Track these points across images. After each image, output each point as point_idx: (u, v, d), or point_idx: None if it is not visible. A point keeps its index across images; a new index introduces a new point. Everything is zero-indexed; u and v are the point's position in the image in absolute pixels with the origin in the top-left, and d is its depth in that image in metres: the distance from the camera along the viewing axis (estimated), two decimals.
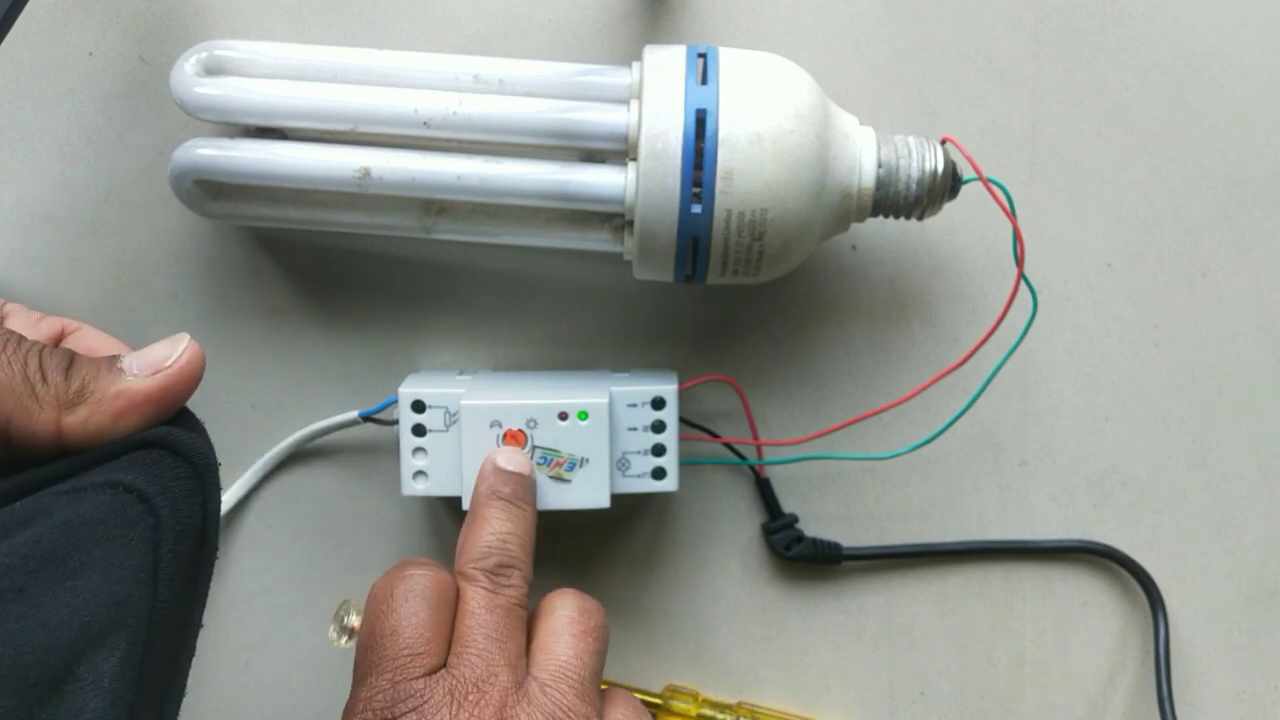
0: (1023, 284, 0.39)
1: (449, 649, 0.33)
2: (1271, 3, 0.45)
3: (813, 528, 0.45)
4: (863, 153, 0.38)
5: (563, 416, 0.38)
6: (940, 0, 0.44)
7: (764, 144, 0.36)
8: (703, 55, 0.38)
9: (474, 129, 0.38)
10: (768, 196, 0.36)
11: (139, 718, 0.27)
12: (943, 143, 0.39)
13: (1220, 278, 0.45)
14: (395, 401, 0.39)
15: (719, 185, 0.36)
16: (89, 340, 0.37)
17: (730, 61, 0.38)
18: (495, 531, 0.35)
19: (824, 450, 0.43)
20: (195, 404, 0.32)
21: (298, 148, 0.38)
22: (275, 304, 0.44)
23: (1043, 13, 0.44)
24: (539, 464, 0.38)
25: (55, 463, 0.29)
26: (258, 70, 0.39)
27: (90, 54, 0.42)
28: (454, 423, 0.39)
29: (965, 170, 0.39)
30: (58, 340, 0.37)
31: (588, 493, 0.38)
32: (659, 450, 0.39)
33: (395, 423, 0.40)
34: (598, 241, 0.40)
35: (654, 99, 0.36)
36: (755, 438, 0.44)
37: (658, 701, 0.43)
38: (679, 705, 0.43)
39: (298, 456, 0.44)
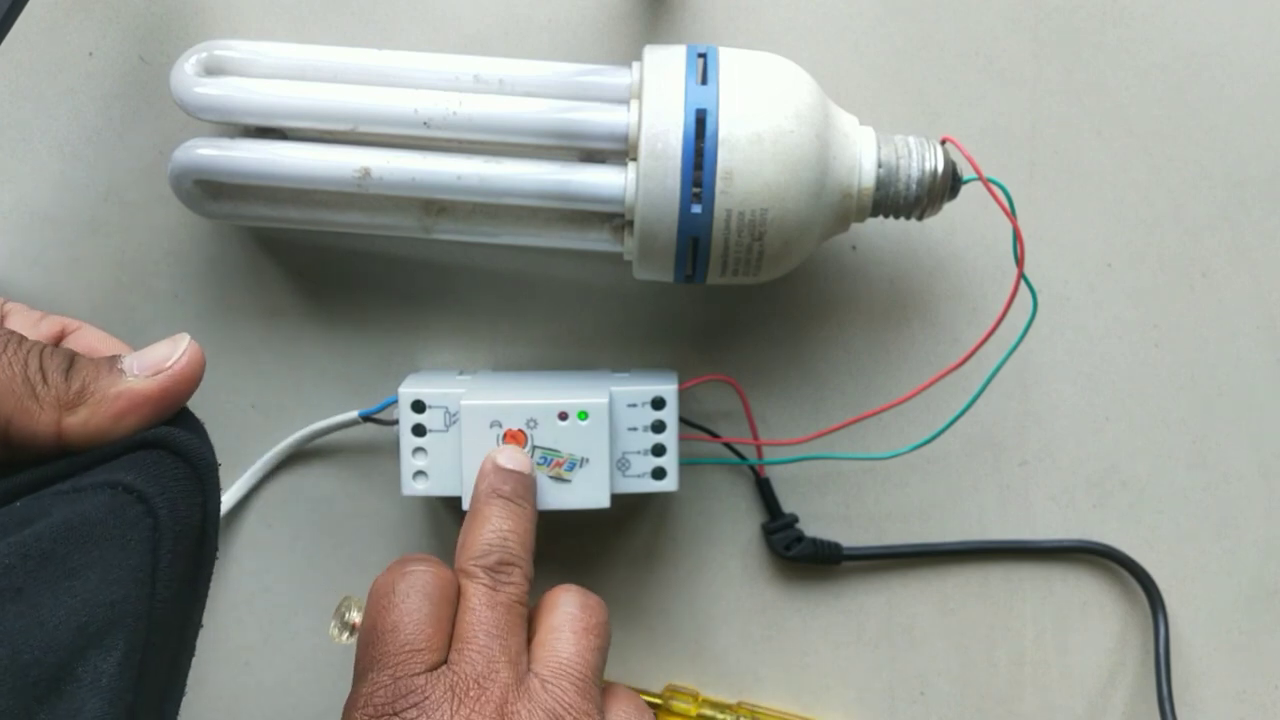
0: (1023, 284, 0.39)
1: (450, 646, 0.33)
2: (1271, 3, 0.45)
3: (813, 528, 0.45)
4: (863, 153, 0.38)
5: (563, 416, 0.38)
6: (940, 0, 0.44)
7: (764, 144, 0.36)
8: (703, 55, 0.38)
9: (474, 129, 0.38)
10: (768, 196, 0.36)
11: (138, 717, 0.27)
12: (943, 143, 0.39)
13: (1220, 278, 0.45)
14: (395, 401, 0.39)
15: (719, 185, 0.36)
16: (89, 340, 0.37)
17: (730, 61, 0.38)
18: (496, 529, 0.35)
19: (824, 450, 0.43)
20: (195, 404, 0.32)
21: (298, 148, 0.38)
22: (275, 304, 0.44)
23: (1043, 13, 0.44)
24: (539, 464, 0.38)
25: (55, 463, 0.29)
26: (258, 70, 0.39)
27: (90, 54, 0.42)
28: (454, 423, 0.39)
29: (965, 170, 0.39)
30: (58, 340, 0.37)
31: (588, 493, 0.38)
32: (659, 450, 0.39)
33: (395, 423, 0.40)
34: (598, 241, 0.40)
35: (654, 99, 0.36)
36: (755, 438, 0.44)
37: (658, 701, 0.43)
38: (679, 705, 0.43)
39: (298, 456, 0.44)
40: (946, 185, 0.39)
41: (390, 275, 0.44)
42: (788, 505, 0.44)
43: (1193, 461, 0.45)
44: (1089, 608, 0.45)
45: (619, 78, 0.39)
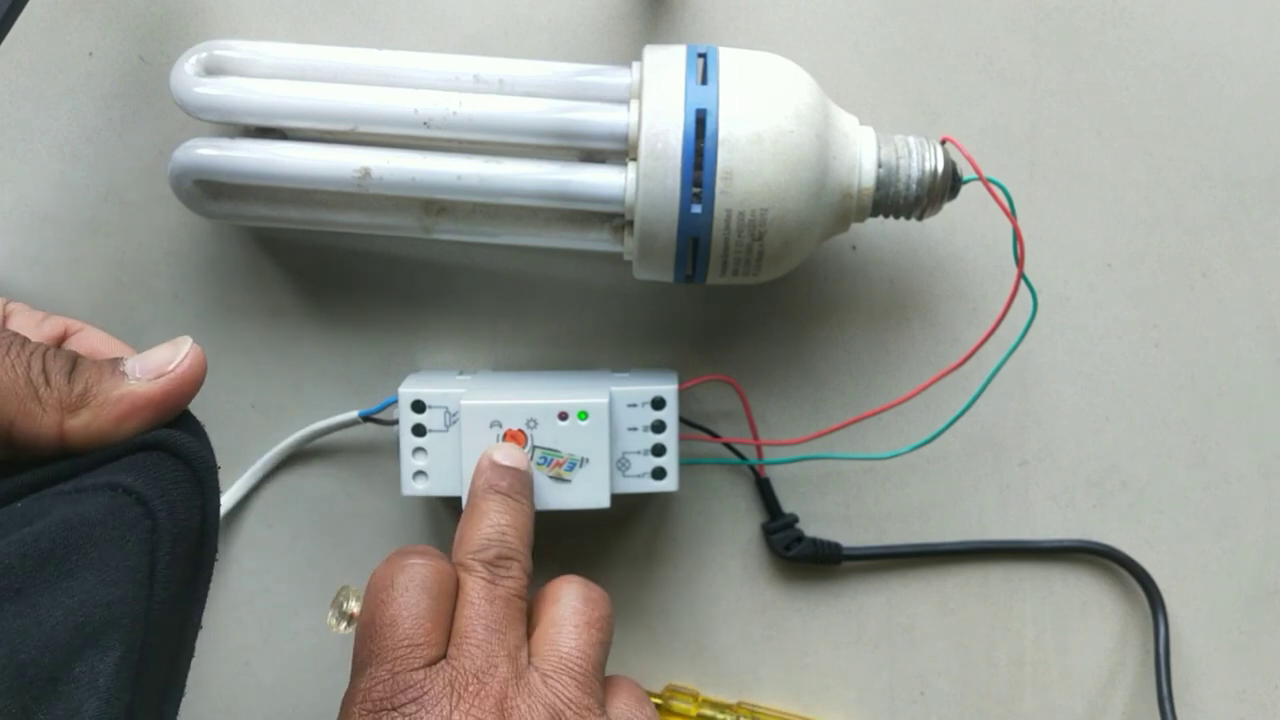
0: (1023, 284, 0.39)
1: (449, 640, 0.33)
2: (1271, 3, 0.45)
3: (813, 528, 0.45)
4: (863, 153, 0.38)
5: (563, 416, 0.38)
6: (940, 0, 0.44)
7: (764, 144, 0.36)
8: (703, 55, 0.38)
9: (474, 129, 0.38)
10: (768, 196, 0.36)
11: (136, 717, 0.27)
12: (943, 143, 0.39)
13: (1220, 278, 0.45)
14: (395, 401, 0.39)
15: (719, 185, 0.36)
16: (92, 341, 0.37)
17: (730, 61, 0.38)
18: (494, 524, 0.35)
19: (824, 450, 0.43)
20: (196, 404, 0.32)
21: (298, 148, 0.38)
22: (275, 304, 0.44)
23: (1043, 13, 0.44)
24: (539, 464, 0.38)
25: (57, 464, 0.29)
26: (258, 70, 0.39)
27: (90, 54, 0.42)
28: (454, 423, 0.39)
29: (965, 170, 0.39)
30: (61, 341, 0.37)
31: (588, 493, 0.38)
32: (659, 450, 0.39)
33: (395, 423, 0.40)
34: (598, 241, 0.40)
35: (654, 99, 0.36)
36: (755, 438, 0.44)
37: (658, 701, 0.43)
38: (679, 705, 0.43)
39: (298, 456, 0.44)
40: (946, 185, 0.39)
41: (390, 275, 0.44)
42: (788, 505, 0.44)
43: (1193, 461, 0.45)
44: (1089, 608, 0.45)
45: (619, 78, 0.39)
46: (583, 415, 0.38)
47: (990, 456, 0.45)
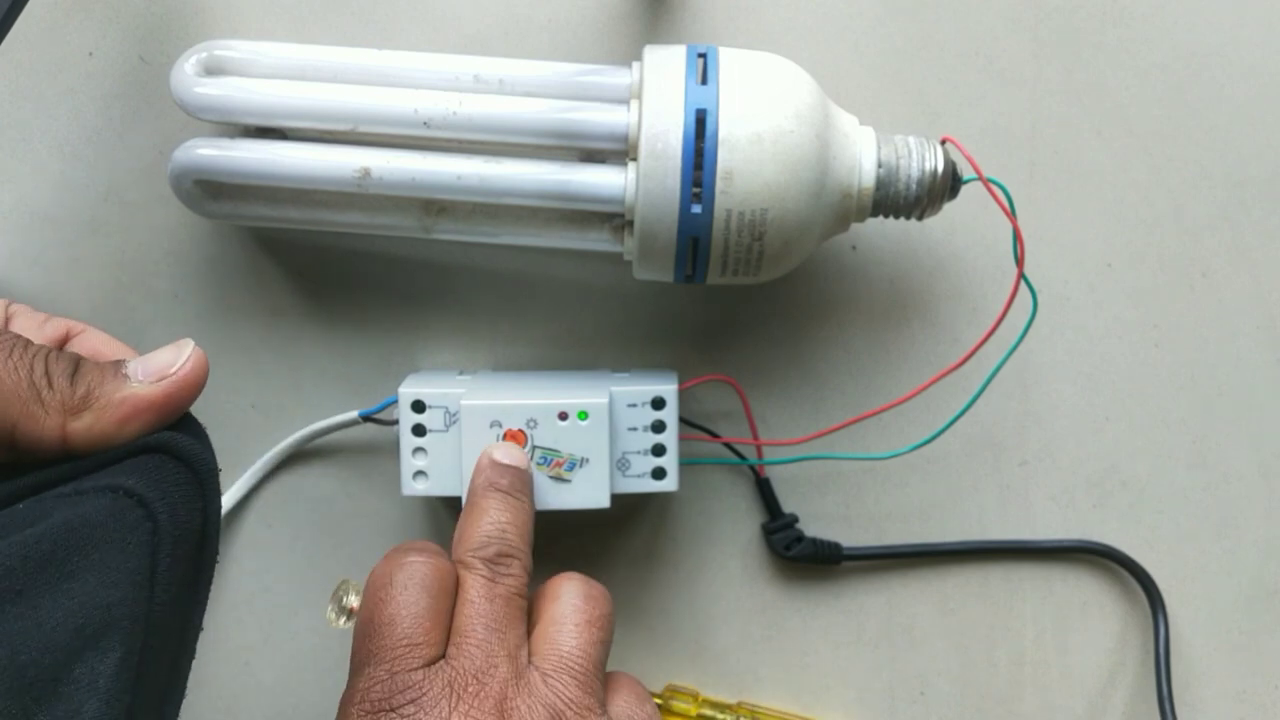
0: (1023, 284, 0.39)
1: (448, 639, 0.33)
2: (1271, 3, 0.45)
3: (813, 528, 0.45)
4: (863, 153, 0.38)
5: (563, 416, 0.38)
6: (940, 0, 0.44)
7: (764, 144, 0.36)
8: (703, 55, 0.38)
9: (474, 129, 0.38)
10: (768, 196, 0.36)
11: (137, 719, 0.27)
12: (943, 143, 0.39)
13: (1220, 278, 0.45)
14: (395, 401, 0.39)
15: (719, 185, 0.36)
16: (94, 343, 0.37)
17: (730, 61, 0.38)
18: (494, 521, 0.35)
19: (824, 450, 0.43)
20: (196, 404, 0.32)
21: (298, 148, 0.38)
22: (275, 304, 0.44)
23: (1043, 13, 0.44)
24: (539, 464, 0.38)
25: (59, 466, 0.29)
26: (258, 70, 0.39)
27: (90, 54, 0.42)
28: (454, 423, 0.39)
29: (965, 170, 0.39)
30: (63, 342, 0.37)
31: (588, 493, 0.38)
32: (659, 450, 0.39)
33: (395, 423, 0.40)
34: (598, 241, 0.40)
35: (654, 99, 0.36)
36: (755, 438, 0.44)
37: (658, 701, 0.43)
38: (679, 705, 0.43)
39: (298, 456, 0.44)
40: (946, 185, 0.39)
41: (390, 275, 0.44)
42: (788, 505, 0.44)
43: (1193, 461, 0.45)
44: (1089, 608, 0.45)
45: (619, 78, 0.39)
46: (583, 415, 0.38)
47: (990, 456, 0.45)
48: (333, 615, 0.36)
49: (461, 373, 0.43)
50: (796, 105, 0.37)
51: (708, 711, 0.43)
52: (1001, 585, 0.45)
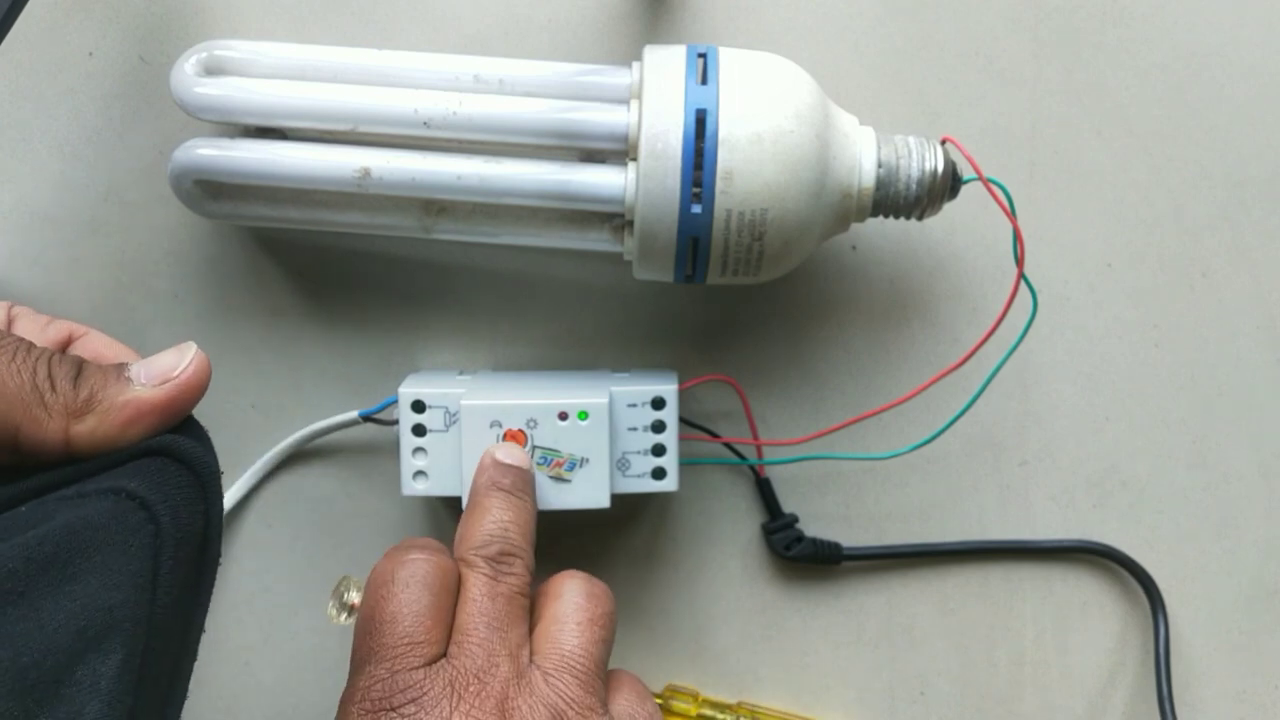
0: (1023, 284, 0.39)
1: (450, 638, 0.33)
2: (1271, 3, 0.45)
3: (813, 528, 0.45)
4: (863, 153, 0.38)
5: (563, 416, 0.38)
6: (940, 0, 0.44)
7: (764, 144, 0.36)
8: (703, 55, 0.38)
9: (474, 129, 0.38)
10: (768, 196, 0.36)
11: None
12: (943, 143, 0.39)
13: (1220, 278, 0.45)
14: (395, 401, 0.39)
15: (719, 185, 0.36)
16: (96, 345, 0.37)
17: (730, 61, 0.38)
18: (496, 520, 0.35)
19: (824, 450, 0.43)
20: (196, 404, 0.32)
21: (298, 148, 0.38)
22: (275, 304, 0.44)
23: (1043, 13, 0.44)
24: (539, 464, 0.38)
25: (61, 469, 0.29)
26: (258, 70, 0.39)
27: (90, 54, 0.42)
28: (454, 423, 0.39)
29: (965, 170, 0.39)
30: (65, 345, 0.37)
31: (588, 493, 0.38)
32: (659, 450, 0.39)
33: (395, 423, 0.40)
34: (598, 241, 0.40)
35: (654, 99, 0.36)
36: (755, 438, 0.44)
37: (658, 701, 0.43)
38: (679, 705, 0.43)
39: (298, 456, 0.44)
40: (946, 185, 0.39)
41: (390, 275, 0.44)
42: (788, 505, 0.44)
43: (1193, 461, 0.45)
44: (1089, 608, 0.45)
45: (619, 78, 0.39)
46: (583, 415, 0.38)
47: (990, 456, 0.45)
48: (333, 612, 0.36)
49: (461, 373, 0.43)
50: (796, 105, 0.37)
51: (708, 711, 0.43)
52: (1001, 585, 0.45)
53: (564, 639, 0.33)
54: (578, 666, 0.32)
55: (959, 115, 0.44)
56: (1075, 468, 0.45)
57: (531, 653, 0.33)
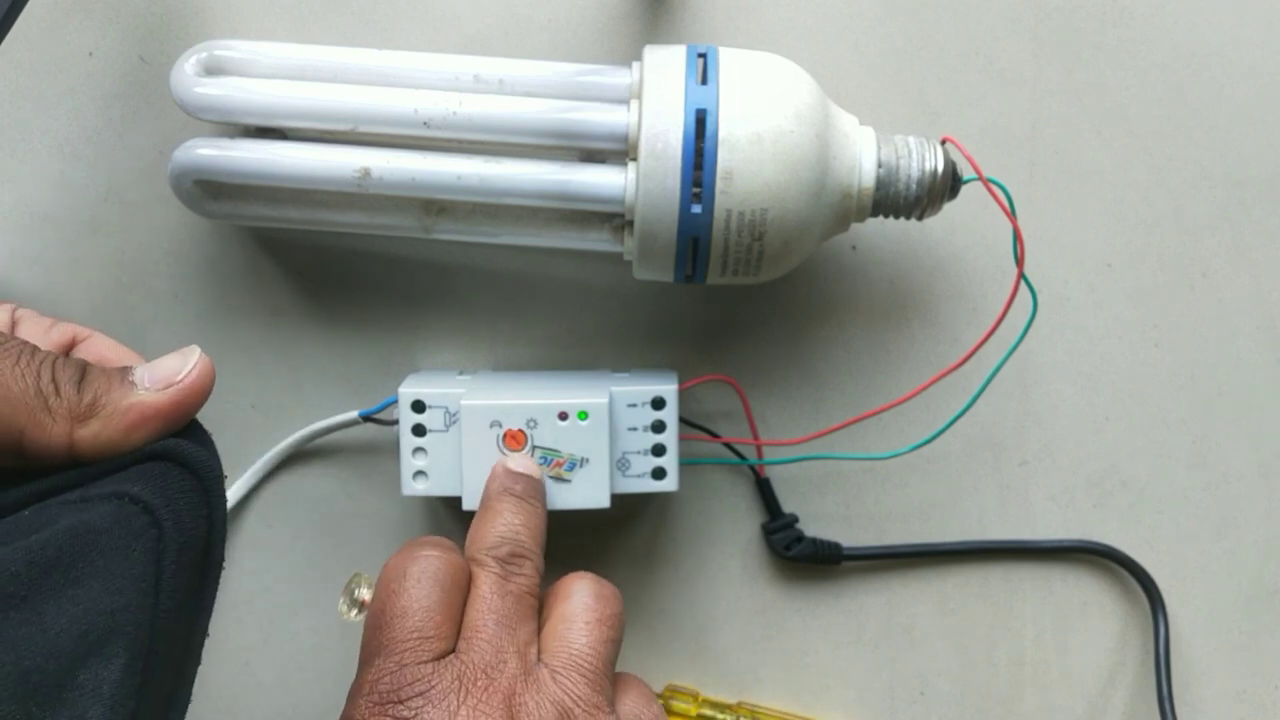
0: (1023, 284, 0.39)
1: (459, 634, 0.33)
2: (1271, 3, 0.45)
3: (813, 528, 0.45)
4: (863, 153, 0.38)
5: (563, 416, 0.38)
6: (940, 0, 0.44)
7: (764, 144, 0.36)
8: (703, 55, 0.38)
9: (474, 129, 0.38)
10: (768, 196, 0.36)
11: None
12: (943, 143, 0.39)
13: (1220, 278, 0.45)
14: (395, 401, 0.39)
15: (719, 185, 0.36)
16: (99, 348, 0.37)
17: (730, 61, 0.38)
18: (508, 523, 0.35)
19: (824, 450, 0.43)
20: None
21: (298, 148, 0.38)
22: (275, 304, 0.44)
23: (1043, 13, 0.44)
24: (539, 464, 0.38)
25: (65, 473, 0.29)
26: (258, 70, 0.39)
27: (90, 54, 0.42)
28: (454, 423, 0.39)
29: (965, 170, 0.39)
30: (69, 348, 0.37)
31: (588, 493, 0.38)
32: (659, 450, 0.39)
33: (395, 423, 0.40)
34: (598, 241, 0.40)
35: (654, 99, 0.36)
36: (755, 438, 0.44)
37: (658, 701, 0.43)
38: (679, 705, 0.43)
39: (298, 456, 0.44)
40: (946, 185, 0.39)
41: (390, 275, 0.44)
42: (788, 505, 0.44)
43: (1193, 461, 0.45)
44: (1089, 608, 0.45)
45: (619, 78, 0.39)
46: (583, 415, 0.38)
47: (990, 456, 0.45)
48: (344, 607, 0.36)
49: (461, 373, 0.43)
50: (796, 105, 0.37)
51: (708, 711, 0.43)
52: (1001, 585, 0.45)
53: (572, 638, 0.33)
54: (585, 665, 0.33)
55: (959, 115, 0.44)
56: (1075, 468, 0.45)
57: (540, 651, 0.33)
